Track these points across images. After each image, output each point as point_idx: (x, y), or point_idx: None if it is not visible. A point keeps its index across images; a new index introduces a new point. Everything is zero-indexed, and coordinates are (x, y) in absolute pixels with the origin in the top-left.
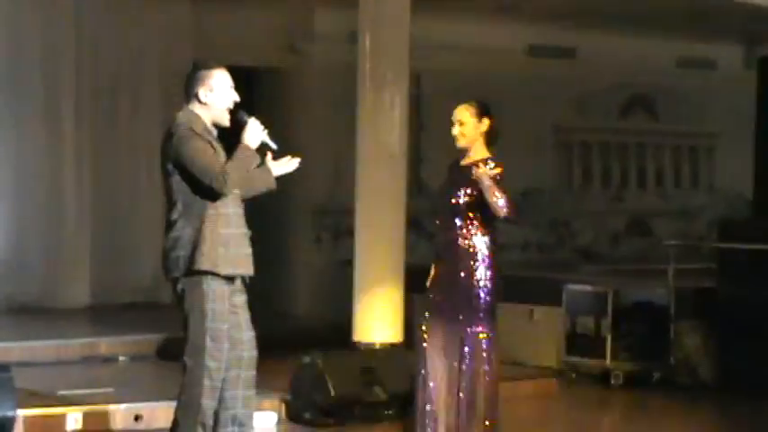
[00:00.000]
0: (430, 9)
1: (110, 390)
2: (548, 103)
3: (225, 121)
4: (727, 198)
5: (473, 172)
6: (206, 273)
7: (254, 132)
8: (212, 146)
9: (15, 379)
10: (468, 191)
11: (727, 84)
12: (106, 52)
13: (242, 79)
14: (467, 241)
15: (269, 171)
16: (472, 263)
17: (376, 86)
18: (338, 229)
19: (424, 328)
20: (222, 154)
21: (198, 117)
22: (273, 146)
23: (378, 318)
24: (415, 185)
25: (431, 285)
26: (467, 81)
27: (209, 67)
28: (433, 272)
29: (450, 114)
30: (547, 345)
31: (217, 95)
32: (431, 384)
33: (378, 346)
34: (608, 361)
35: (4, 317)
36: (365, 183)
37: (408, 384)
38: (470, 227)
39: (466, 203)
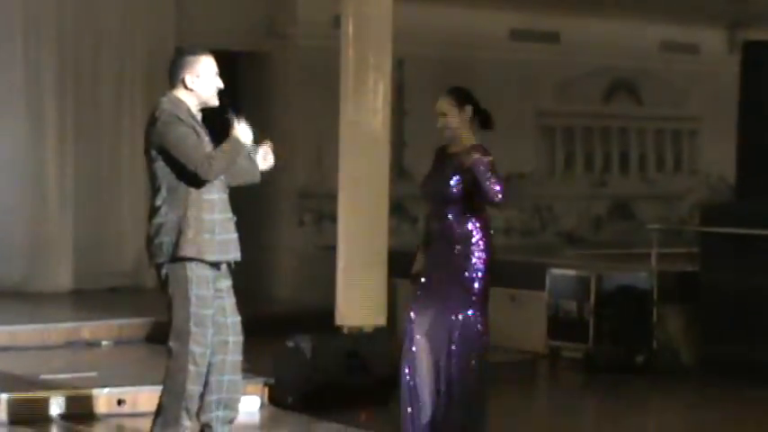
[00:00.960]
0: None
1: (93, 374)
2: (530, 87)
3: (211, 104)
4: (709, 182)
5: (466, 159)
6: (191, 259)
7: (244, 130)
8: (196, 131)
9: None
10: (461, 177)
11: (711, 68)
12: (88, 36)
13: (224, 63)
14: (461, 227)
15: (255, 164)
16: (467, 248)
17: (358, 71)
18: (321, 212)
19: (412, 312)
20: (207, 140)
21: (182, 102)
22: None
23: (361, 302)
24: (398, 170)
25: (422, 270)
26: (449, 66)
27: (196, 53)
28: (421, 257)
29: (433, 99)
30: (530, 329)
31: (203, 82)
32: (417, 367)
33: (361, 330)
34: (591, 345)
35: None
36: (348, 167)
37: (392, 368)
38: (465, 213)
39: (460, 190)
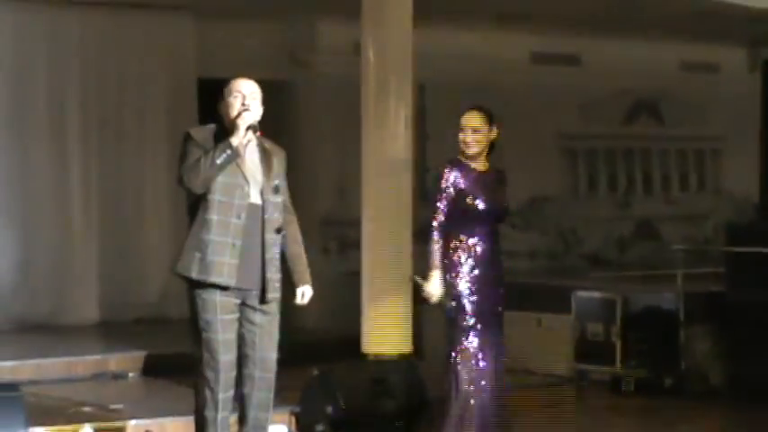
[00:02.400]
0: (432, 19)
1: (120, 406)
2: (552, 110)
3: (242, 123)
4: (733, 201)
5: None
6: (181, 276)
7: (243, 124)
8: (205, 150)
9: (26, 397)
10: (498, 197)
11: (732, 86)
12: (110, 68)
13: None
14: (497, 247)
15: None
16: (501, 268)
17: (380, 97)
18: (345, 239)
19: (466, 336)
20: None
21: (209, 127)
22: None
23: (387, 329)
24: (421, 195)
25: (444, 294)
26: (471, 90)
27: (231, 79)
28: (438, 280)
29: (455, 124)
30: (557, 352)
31: (228, 103)
32: (469, 388)
33: (388, 357)
34: (618, 367)
35: (13, 335)
36: (371, 193)
37: (419, 395)
38: (497, 233)
39: (501, 209)
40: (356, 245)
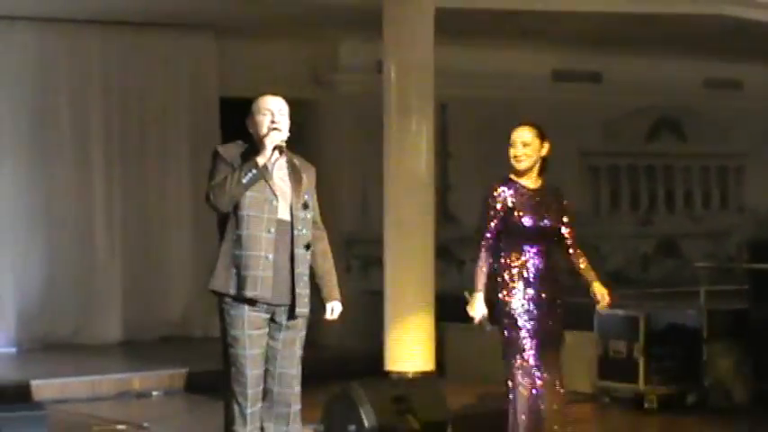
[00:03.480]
0: (453, 37)
1: (144, 425)
2: (574, 127)
3: (271, 142)
4: (756, 218)
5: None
6: (221, 295)
7: (270, 144)
8: (233, 168)
9: (51, 416)
10: (552, 215)
11: (754, 103)
12: (133, 89)
13: None
14: (551, 264)
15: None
16: (557, 286)
17: (402, 115)
18: (368, 258)
19: (522, 355)
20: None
21: (238, 146)
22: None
23: (409, 347)
24: (444, 214)
25: (486, 316)
26: (492, 108)
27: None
28: (481, 300)
29: (477, 142)
30: (579, 370)
31: (255, 121)
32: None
33: (410, 375)
34: (641, 385)
35: (38, 354)
36: (393, 211)
37: (442, 412)
38: (551, 251)
39: (551, 228)
40: (379, 263)
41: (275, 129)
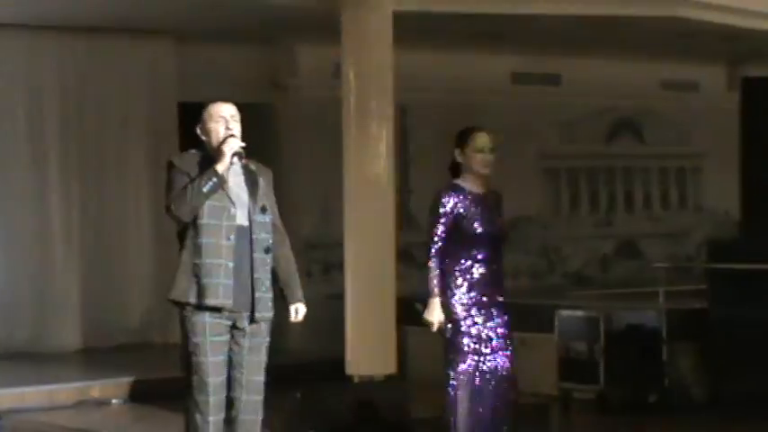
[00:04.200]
0: (412, 41)
1: None
2: (534, 129)
3: (226, 149)
4: (714, 218)
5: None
6: (182, 304)
7: (228, 151)
8: (190, 178)
9: (8, 427)
10: (497, 220)
11: (711, 104)
12: (91, 95)
13: None
14: (498, 269)
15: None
16: (502, 291)
17: (361, 120)
18: (329, 262)
19: (464, 359)
20: (232, 188)
21: (194, 154)
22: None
23: (371, 350)
24: (405, 217)
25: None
26: (452, 111)
27: (209, 103)
28: (438, 305)
29: (438, 145)
30: (541, 371)
31: (208, 128)
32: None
33: (372, 379)
34: (602, 385)
35: None
36: (354, 216)
37: (404, 415)
38: (498, 257)
39: (499, 233)
40: (340, 267)
41: (232, 135)
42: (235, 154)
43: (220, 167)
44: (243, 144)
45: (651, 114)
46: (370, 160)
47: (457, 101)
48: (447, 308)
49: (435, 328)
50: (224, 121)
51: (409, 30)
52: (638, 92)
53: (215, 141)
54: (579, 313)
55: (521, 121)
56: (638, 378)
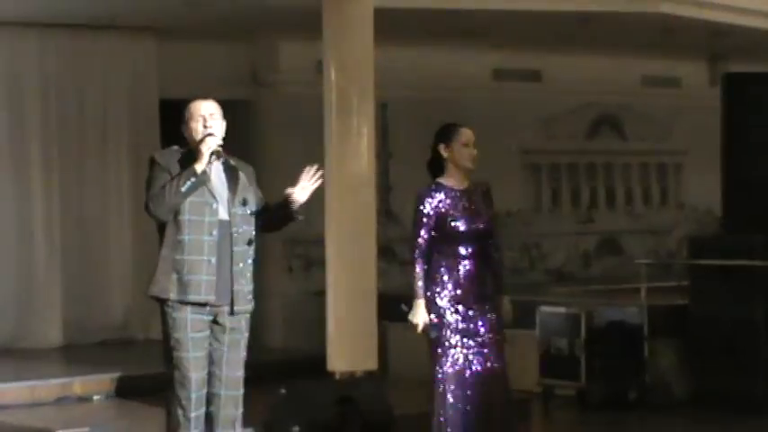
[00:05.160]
0: (394, 37)
1: (86, 430)
2: (515, 125)
3: (205, 147)
4: (696, 215)
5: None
6: (163, 300)
7: (206, 150)
8: (170, 175)
9: None
10: (483, 215)
11: (693, 101)
12: (71, 89)
13: None
14: (484, 266)
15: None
16: (489, 287)
17: (342, 116)
18: (310, 258)
19: (449, 355)
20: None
21: (175, 151)
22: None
23: (351, 346)
24: (385, 213)
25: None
26: (433, 108)
27: (190, 101)
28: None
29: (418, 142)
30: (521, 368)
31: (190, 126)
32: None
33: (353, 375)
34: (583, 382)
35: None
36: (334, 212)
37: (385, 411)
38: (484, 253)
39: (484, 229)
40: (320, 263)
41: (210, 134)
42: (213, 153)
43: (199, 167)
44: (220, 142)
45: (632, 110)
46: (351, 156)
47: (437, 97)
48: (433, 305)
49: (420, 329)
50: (203, 119)
51: (390, 26)
52: (620, 88)
53: (194, 140)
54: (560, 310)
55: (502, 117)
56: (618, 375)
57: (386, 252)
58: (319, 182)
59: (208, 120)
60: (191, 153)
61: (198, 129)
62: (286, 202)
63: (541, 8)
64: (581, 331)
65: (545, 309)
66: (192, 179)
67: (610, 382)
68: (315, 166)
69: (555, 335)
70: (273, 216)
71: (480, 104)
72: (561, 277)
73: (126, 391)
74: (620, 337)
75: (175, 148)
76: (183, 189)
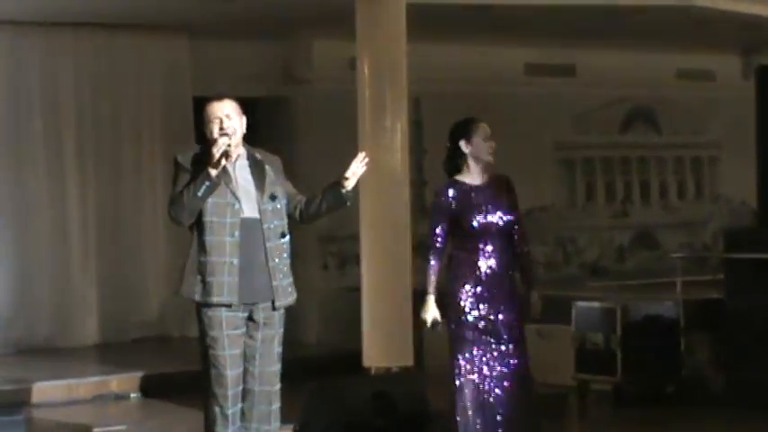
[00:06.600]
0: (427, 33)
1: (123, 428)
2: (548, 120)
3: (221, 146)
4: (731, 207)
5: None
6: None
7: (216, 152)
8: (192, 176)
9: (28, 420)
10: (507, 209)
11: (727, 93)
12: (106, 91)
13: (244, 109)
14: (506, 263)
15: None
16: (512, 284)
17: (375, 112)
18: (344, 255)
19: (469, 352)
20: (232, 187)
21: (196, 150)
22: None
23: (387, 342)
24: (420, 209)
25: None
26: (466, 103)
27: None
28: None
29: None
30: (557, 363)
31: (208, 128)
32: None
33: (389, 371)
34: (619, 377)
35: (14, 358)
36: (368, 208)
37: (421, 407)
38: (506, 250)
39: (512, 222)
40: (355, 260)
41: (224, 135)
42: (223, 154)
43: (213, 170)
44: (229, 142)
45: (667, 104)
46: (385, 152)
47: (471, 92)
48: (453, 302)
49: (429, 325)
50: (218, 120)
51: (422, 21)
52: (654, 81)
53: (212, 142)
54: (596, 304)
55: (535, 111)
56: (655, 369)
57: (421, 248)
58: (365, 167)
59: (224, 121)
60: (210, 153)
61: (214, 131)
62: (337, 185)
63: (575, 2)
64: (617, 326)
65: (580, 304)
66: (207, 183)
67: (646, 377)
68: (363, 153)
69: (590, 330)
70: (323, 201)
71: (513, 99)
72: (596, 272)
73: (162, 388)
74: (656, 331)
75: (198, 147)
76: (200, 193)
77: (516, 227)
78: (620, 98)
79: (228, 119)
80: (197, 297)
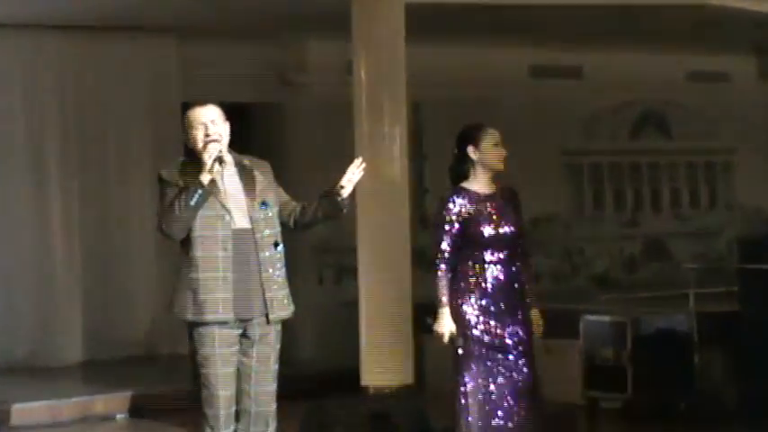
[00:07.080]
0: (426, 35)
1: None
2: (554, 125)
3: (207, 154)
4: (746, 216)
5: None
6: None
7: (208, 159)
8: (180, 189)
9: None
10: (513, 221)
11: (742, 96)
12: (92, 95)
13: (236, 115)
14: (512, 274)
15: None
16: (519, 296)
17: (373, 117)
18: (341, 267)
19: (475, 367)
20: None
21: (180, 163)
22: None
23: (386, 360)
24: (420, 218)
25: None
26: (468, 107)
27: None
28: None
29: (451, 143)
30: (565, 379)
31: (191, 136)
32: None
33: (388, 390)
34: (630, 393)
35: None
36: (366, 218)
37: (421, 427)
38: (513, 260)
39: (510, 234)
40: (353, 272)
41: (212, 141)
42: (216, 159)
43: (205, 178)
44: (221, 148)
45: (678, 108)
46: (383, 160)
47: (473, 96)
48: (459, 315)
49: (447, 339)
50: (203, 127)
51: (422, 23)
52: (664, 84)
53: (197, 149)
54: (605, 318)
55: (541, 116)
56: (667, 385)
57: (421, 259)
58: (362, 173)
59: (210, 127)
60: (196, 162)
61: (199, 137)
62: (333, 193)
63: (581, 2)
64: (627, 340)
65: (589, 317)
66: (200, 191)
67: (658, 394)
68: (359, 159)
69: (600, 344)
70: (318, 209)
71: (517, 103)
72: (605, 284)
73: (150, 409)
74: (669, 345)
75: (182, 159)
76: (192, 203)
77: (521, 241)
78: (630, 102)
79: (214, 124)
80: (189, 317)
